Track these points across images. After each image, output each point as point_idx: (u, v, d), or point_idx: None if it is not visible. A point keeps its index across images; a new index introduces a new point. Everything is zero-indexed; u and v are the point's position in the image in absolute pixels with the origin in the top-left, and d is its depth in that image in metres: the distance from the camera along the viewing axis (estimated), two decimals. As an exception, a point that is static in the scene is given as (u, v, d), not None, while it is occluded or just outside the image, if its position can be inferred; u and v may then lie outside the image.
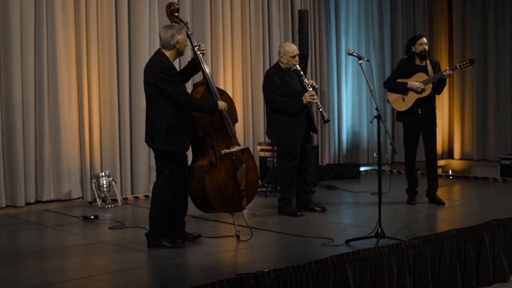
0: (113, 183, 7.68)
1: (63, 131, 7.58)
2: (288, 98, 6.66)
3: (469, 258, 5.63)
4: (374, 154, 11.14)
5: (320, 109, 6.71)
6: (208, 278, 4.27)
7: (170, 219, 5.38)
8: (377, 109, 5.47)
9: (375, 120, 5.50)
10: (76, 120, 7.71)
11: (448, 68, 7.01)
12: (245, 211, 5.96)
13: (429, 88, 7.03)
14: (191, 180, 5.48)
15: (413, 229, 5.91)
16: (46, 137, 7.49)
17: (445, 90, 7.45)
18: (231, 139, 5.66)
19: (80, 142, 7.73)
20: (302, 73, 6.82)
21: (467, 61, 6.98)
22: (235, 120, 5.79)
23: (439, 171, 9.42)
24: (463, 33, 12.34)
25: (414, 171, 7.36)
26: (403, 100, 7.13)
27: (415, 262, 5.21)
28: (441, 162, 12.03)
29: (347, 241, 5.31)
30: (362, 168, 10.72)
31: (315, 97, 6.69)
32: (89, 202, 7.72)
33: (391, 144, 5.64)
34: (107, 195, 7.60)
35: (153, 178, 6.94)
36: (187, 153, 5.43)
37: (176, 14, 5.64)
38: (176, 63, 5.48)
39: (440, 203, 7.21)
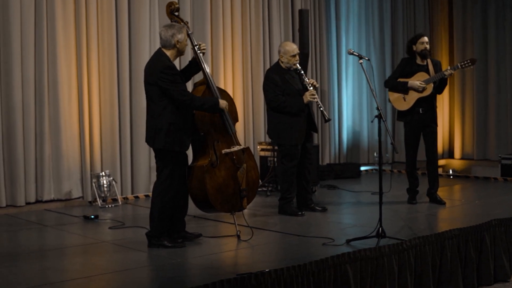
0: (114, 182, 7.67)
1: (63, 130, 7.57)
2: (288, 97, 6.65)
3: (470, 258, 5.63)
4: (375, 154, 11.14)
5: (321, 108, 6.70)
6: (208, 278, 4.27)
7: (171, 218, 5.37)
8: (378, 108, 5.46)
9: (376, 120, 5.48)
10: (76, 119, 7.71)
11: (449, 68, 7.00)
12: (245, 211, 5.95)
13: (430, 88, 7.02)
14: (192, 180, 5.47)
15: (414, 229, 5.90)
16: (46, 137, 7.48)
17: (446, 89, 7.42)
18: (231, 139, 5.65)
19: (80, 142, 7.72)
20: (302, 72, 6.81)
21: (469, 61, 6.97)
22: (235, 119, 5.78)
23: (440, 170, 9.42)
24: (463, 33, 12.33)
25: (415, 171, 7.36)
26: (404, 100, 7.12)
27: (416, 262, 5.20)
28: (441, 162, 12.02)
29: (348, 241, 5.30)
30: (362, 168, 10.71)
31: (316, 96, 6.68)
32: (90, 202, 7.71)
33: (392, 143, 5.63)
34: (108, 194, 7.59)
35: (154, 177, 6.93)
36: (187, 152, 5.42)
37: (177, 13, 5.63)
38: (176, 63, 5.47)
39: (441, 202, 7.20)
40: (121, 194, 7.94)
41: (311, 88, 6.70)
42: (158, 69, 5.15)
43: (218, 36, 9.00)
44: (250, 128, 9.39)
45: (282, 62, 6.77)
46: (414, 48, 7.16)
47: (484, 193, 8.39)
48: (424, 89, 7.01)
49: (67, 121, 7.61)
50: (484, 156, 12.00)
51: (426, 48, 7.10)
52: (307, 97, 6.65)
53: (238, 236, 5.58)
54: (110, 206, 7.53)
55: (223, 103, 5.47)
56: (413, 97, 7.07)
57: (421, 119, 7.12)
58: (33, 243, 5.83)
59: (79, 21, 7.66)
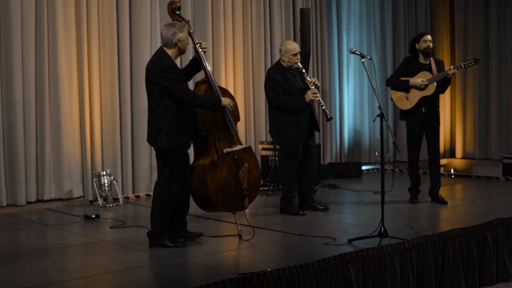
0: (115, 182, 7.66)
1: (64, 129, 7.56)
2: (290, 96, 6.63)
3: (472, 258, 5.61)
4: (376, 153, 11.13)
5: (323, 107, 6.69)
6: (210, 277, 4.26)
7: (172, 218, 5.35)
8: (379, 107, 5.44)
9: (378, 119, 5.46)
10: (77, 118, 7.70)
11: (452, 67, 6.98)
12: (247, 210, 5.93)
13: (433, 87, 7.00)
14: (193, 179, 5.46)
15: (415, 228, 5.89)
16: (47, 136, 7.47)
17: (447, 88, 7.40)
18: (233, 138, 5.64)
19: (81, 141, 7.71)
20: (304, 71, 6.80)
21: (472, 60, 6.95)
22: (237, 118, 5.77)
23: (441, 170, 9.41)
24: (465, 32, 12.30)
25: (417, 170, 7.34)
26: (407, 99, 7.10)
27: (418, 262, 5.19)
28: (443, 161, 11.99)
29: (350, 241, 5.29)
30: (364, 167, 10.70)
31: (318, 95, 6.66)
32: (90, 201, 7.70)
33: (394, 143, 5.61)
34: (109, 194, 7.58)
35: (155, 177, 6.91)
36: (188, 151, 5.41)
37: (178, 12, 5.62)
38: (177, 62, 5.46)
39: (443, 202, 7.18)
40: (122, 194, 7.92)
41: (313, 86, 6.69)
42: (160, 68, 5.14)
43: (219, 35, 8.99)
44: (251, 127, 9.37)
45: (283, 61, 6.76)
46: (417, 47, 7.14)
47: (486, 193, 8.38)
48: (425, 86, 7.00)
49: (68, 120, 7.60)
50: (485, 155, 11.98)
51: (429, 46, 7.08)
52: (309, 95, 6.63)
53: (240, 236, 5.57)
54: (111, 205, 7.52)
55: (225, 100, 5.46)
56: (416, 96, 7.05)
57: (423, 118, 7.11)
58: (33, 242, 5.82)
59: (80, 19, 7.65)
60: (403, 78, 7.15)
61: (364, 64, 5.70)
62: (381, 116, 5.43)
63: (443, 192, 7.39)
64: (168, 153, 5.23)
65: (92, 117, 7.77)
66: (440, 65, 7.18)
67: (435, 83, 7.00)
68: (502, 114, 11.73)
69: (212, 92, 5.52)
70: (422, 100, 7.04)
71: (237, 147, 5.61)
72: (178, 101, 5.16)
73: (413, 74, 7.12)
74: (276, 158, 8.32)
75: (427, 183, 7.39)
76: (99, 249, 5.40)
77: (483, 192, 8.41)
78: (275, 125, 6.80)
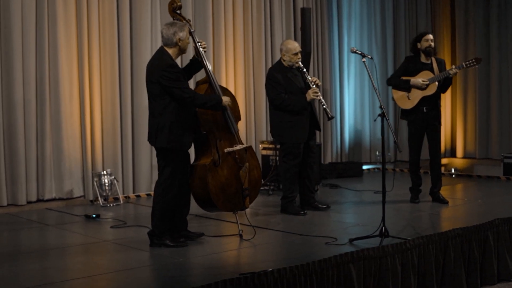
0: (115, 181, 7.65)
1: (64, 129, 7.55)
2: (291, 95, 6.62)
3: (474, 257, 5.60)
4: (377, 153, 11.13)
5: (324, 106, 6.68)
6: (210, 277, 4.25)
7: (173, 218, 5.34)
8: (381, 107, 5.43)
9: (378, 118, 5.45)
10: (77, 118, 7.69)
11: (454, 67, 6.96)
12: (247, 210, 5.92)
13: (434, 87, 6.99)
14: (194, 179, 5.45)
15: (416, 228, 5.88)
16: (48, 135, 7.46)
17: (448, 88, 7.39)
18: (234, 138, 5.63)
19: (81, 140, 7.71)
20: (305, 70, 6.79)
21: (473, 60, 6.94)
22: (238, 118, 5.76)
23: (442, 169, 9.41)
24: (465, 32, 12.29)
25: (418, 170, 7.33)
26: (408, 98, 7.09)
27: (420, 262, 5.18)
28: (443, 161, 11.98)
29: (351, 240, 5.28)
30: (364, 167, 10.70)
31: (319, 94, 6.66)
32: (91, 201, 7.69)
33: (395, 142, 5.61)
34: (109, 193, 7.57)
35: (155, 176, 6.91)
36: (189, 151, 5.40)
37: (178, 11, 5.62)
38: (178, 61, 5.45)
39: (444, 201, 7.18)
40: (123, 193, 7.92)
41: (314, 86, 6.68)
42: (160, 67, 5.13)
43: (220, 35, 8.98)
44: (252, 126, 9.37)
45: (284, 60, 6.75)
46: (419, 46, 7.13)
47: (487, 192, 8.37)
48: (426, 86, 6.99)
49: (68, 120, 7.60)
50: (486, 155, 11.96)
51: (430, 45, 7.07)
52: (310, 95, 6.62)
53: (240, 236, 5.56)
54: (111, 205, 7.51)
55: (226, 100, 5.45)
56: (417, 95, 7.04)
57: (425, 118, 7.10)
58: (34, 242, 5.81)
59: (80, 19, 7.64)
60: (404, 78, 7.14)
61: (365, 64, 5.69)
62: (382, 115, 5.42)
63: (444, 191, 7.38)
64: (169, 153, 5.22)
65: (92, 116, 7.77)
66: (441, 64, 7.17)
67: (437, 83, 6.99)
68: (503, 114, 11.72)
69: (213, 92, 5.51)
70: (424, 100, 7.03)
71: (238, 147, 5.60)
72: (179, 100, 5.15)
73: (414, 73, 7.11)
74: (277, 158, 8.31)
75: (428, 182, 7.38)
76: (99, 249, 5.39)
77: (484, 192, 8.40)
78: (276, 125, 6.79)
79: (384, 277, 4.91)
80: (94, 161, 7.77)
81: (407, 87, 7.09)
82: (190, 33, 5.44)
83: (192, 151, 5.47)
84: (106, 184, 7.52)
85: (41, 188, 7.46)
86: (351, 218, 6.76)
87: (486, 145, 11.96)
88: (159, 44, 7.03)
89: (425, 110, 7.07)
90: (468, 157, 12.26)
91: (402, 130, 10.83)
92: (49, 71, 7.46)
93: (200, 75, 5.96)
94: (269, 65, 9.09)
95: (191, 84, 6.56)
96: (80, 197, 7.72)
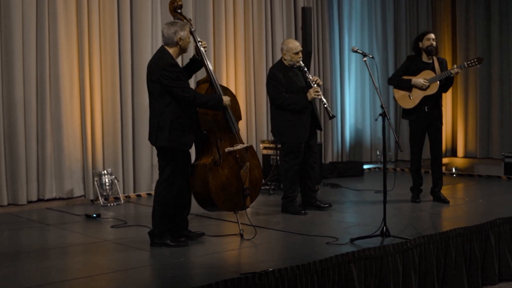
0: (116, 181, 7.64)
1: (65, 128, 7.55)
2: (292, 95, 6.61)
3: (475, 257, 5.59)
4: (378, 152, 11.12)
5: (325, 105, 6.67)
6: (211, 277, 4.24)
7: (173, 217, 5.34)
8: (382, 106, 5.42)
9: (380, 118, 5.44)
10: (78, 117, 7.68)
11: (455, 66, 6.94)
12: (248, 210, 5.92)
13: (436, 86, 6.98)
14: (194, 178, 5.44)
15: (418, 228, 5.87)
16: (48, 135, 7.45)
17: (450, 88, 7.38)
18: (234, 137, 5.62)
19: (82, 140, 7.70)
20: (306, 69, 6.78)
21: (475, 60, 6.93)
22: (238, 118, 5.75)
23: (443, 169, 9.41)
24: (466, 31, 12.28)
25: (420, 169, 7.32)
26: (410, 98, 7.08)
27: (420, 261, 5.17)
28: (444, 160, 11.91)
29: (352, 240, 5.27)
30: (365, 166, 10.68)
31: (320, 93, 6.65)
32: (91, 200, 7.68)
33: (396, 142, 5.59)
34: (110, 193, 7.57)
35: (156, 176, 6.91)
36: (190, 151, 5.39)
37: (179, 10, 5.61)
38: (178, 60, 5.44)
39: (445, 201, 7.17)
40: (123, 193, 7.91)
41: (315, 85, 6.67)
42: (161, 67, 5.12)
43: (221, 34, 8.97)
44: (252, 126, 9.36)
45: (285, 59, 6.74)
46: (421, 45, 7.12)
47: (488, 192, 8.36)
48: (427, 87, 6.98)
49: (69, 119, 7.59)
50: (487, 154, 11.96)
51: (432, 44, 7.06)
52: (311, 94, 6.61)
53: (241, 235, 5.55)
54: (112, 204, 7.50)
55: (226, 99, 5.44)
56: (418, 95, 7.03)
57: (426, 117, 7.08)
58: (34, 242, 5.80)
59: (81, 18, 7.63)
60: (405, 77, 7.13)
61: (366, 63, 5.68)
62: (383, 115, 5.40)
63: (444, 191, 7.37)
64: (170, 152, 5.21)
65: (93, 116, 7.76)
66: (443, 64, 7.16)
67: (438, 82, 6.98)
68: (504, 113, 11.72)
69: (213, 91, 5.50)
70: (425, 99, 7.02)
71: (239, 146, 5.59)
72: (179, 100, 5.14)
73: (416, 72, 7.10)
74: (278, 157, 8.31)
75: (429, 182, 7.37)
76: (100, 249, 5.38)
77: (485, 191, 8.39)
78: (277, 124, 6.78)
79: (385, 277, 4.90)
80: (95, 161, 7.76)
81: (408, 87, 7.08)
82: (191, 33, 5.43)
83: (192, 150, 5.46)
84: (107, 184, 7.52)
85: (42, 187, 7.45)
86: (352, 218, 6.75)
87: (487, 145, 11.95)
88: (159, 43, 7.02)
89: (426, 110, 7.06)
90: (469, 156, 12.26)
91: (403, 129, 10.82)
92: (49, 70, 7.46)
93: (201, 74, 5.95)
94: (270, 65, 9.08)
95: (192, 83, 6.55)
96: (81, 196, 7.72)
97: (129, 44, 8.06)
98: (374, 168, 10.92)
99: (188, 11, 8.45)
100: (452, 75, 6.95)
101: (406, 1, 11.84)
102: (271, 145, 8.68)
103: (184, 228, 5.49)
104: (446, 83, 7.09)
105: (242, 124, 8.82)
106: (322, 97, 6.66)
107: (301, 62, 6.73)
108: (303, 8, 9.13)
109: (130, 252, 5.16)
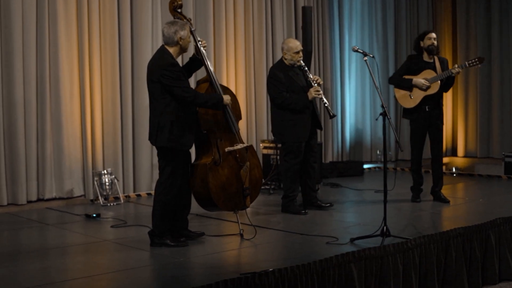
0: (116, 181, 7.63)
1: (65, 128, 7.54)
2: (293, 94, 6.61)
3: (475, 257, 5.58)
4: (378, 152, 11.11)
5: (326, 105, 6.66)
6: (211, 277, 4.23)
7: (173, 217, 5.33)
8: (382, 106, 5.41)
9: (380, 117, 5.43)
10: (78, 117, 7.68)
11: (457, 66, 6.94)
12: (248, 209, 5.91)
13: (437, 86, 6.98)
14: (194, 178, 5.43)
15: (418, 228, 5.86)
16: (48, 135, 7.45)
17: (450, 88, 7.37)
18: (234, 137, 5.61)
19: (82, 140, 7.69)
20: (306, 69, 6.78)
21: (476, 60, 6.92)
22: (238, 117, 5.75)
23: (443, 168, 9.40)
24: (467, 31, 12.27)
25: (420, 169, 7.32)
26: (411, 97, 7.08)
27: (421, 261, 5.16)
28: (444, 160, 11.85)
29: (352, 240, 5.26)
30: (365, 166, 10.68)
31: (321, 92, 6.64)
32: (91, 200, 7.67)
33: (397, 141, 5.59)
34: (109, 193, 7.56)
35: (156, 175, 6.90)
36: (190, 150, 5.38)
37: (179, 10, 5.60)
38: (179, 60, 5.43)
39: (445, 201, 7.16)
40: (123, 193, 7.90)
41: (316, 84, 6.66)
42: (161, 67, 5.11)
43: (221, 34, 8.96)
44: (252, 126, 9.36)
45: (285, 59, 6.73)
46: (422, 44, 7.12)
47: (488, 191, 8.36)
48: (428, 87, 6.97)
49: (69, 119, 7.58)
50: (487, 154, 11.95)
51: (433, 43, 7.06)
52: (311, 93, 6.61)
53: (241, 235, 5.54)
54: (112, 204, 7.50)
55: (227, 99, 5.43)
56: (419, 94, 7.02)
57: (427, 117, 7.08)
58: (34, 241, 5.80)
59: (81, 18, 7.63)
60: (406, 77, 7.12)
61: (366, 62, 5.67)
62: (384, 114, 5.40)
63: (444, 190, 7.36)
64: (170, 152, 5.20)
65: (93, 115, 7.75)
66: (444, 63, 7.15)
67: (439, 82, 6.97)
68: (504, 113, 11.71)
69: (213, 91, 5.49)
70: (426, 99, 7.01)
71: (239, 146, 5.58)
72: (180, 99, 5.13)
73: (417, 72, 7.09)
74: (278, 157, 8.30)
75: (429, 181, 7.37)
76: (100, 249, 5.37)
77: (485, 191, 8.39)
78: (277, 124, 6.77)
79: (385, 277, 4.89)
80: (95, 160, 7.76)
81: (409, 86, 7.07)
82: (191, 32, 5.42)
83: (192, 150, 5.46)
84: (107, 184, 7.51)
85: (42, 187, 7.44)
86: (352, 218, 6.74)
87: (487, 144, 11.95)
88: (159, 43, 7.02)
89: (427, 109, 7.06)
90: (469, 156, 12.25)
91: (403, 129, 10.81)
92: (49, 70, 7.45)
93: (201, 73, 5.94)
94: (270, 64, 9.07)
95: (192, 83, 6.54)
96: (81, 196, 7.71)
97: (129, 44, 8.05)
98: (374, 167, 10.92)
99: (188, 10, 8.44)
100: (453, 75, 6.94)
101: (406, 1, 11.84)
102: (271, 145, 8.67)
103: (184, 228, 5.48)
104: (447, 83, 7.08)
105: (242, 124, 8.81)
106: (323, 97, 6.66)
107: (301, 62, 6.73)
108: (304, 8, 9.12)
109: (130, 252, 5.15)
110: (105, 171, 7.57)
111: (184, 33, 5.21)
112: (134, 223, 6.31)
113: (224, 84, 8.51)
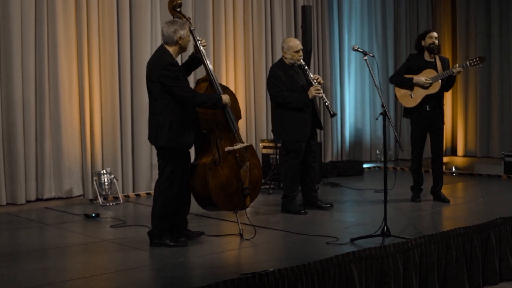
0: (115, 180, 7.62)
1: (64, 128, 7.53)
2: (293, 93, 6.59)
3: (476, 257, 5.57)
4: (377, 151, 11.10)
5: (326, 103, 6.65)
6: (211, 277, 4.22)
7: (173, 217, 5.31)
8: (382, 105, 5.39)
9: (380, 117, 5.42)
10: (77, 117, 7.66)
11: (457, 65, 6.92)
12: (248, 209, 5.90)
13: (438, 85, 6.97)
14: (194, 178, 5.42)
15: (418, 227, 5.84)
16: (47, 134, 7.43)
17: (451, 87, 7.36)
18: (234, 137, 5.60)
19: (81, 139, 7.68)
20: (306, 67, 6.77)
21: (477, 59, 6.91)
22: (238, 117, 5.73)
23: (443, 168, 9.39)
24: (466, 30, 12.26)
25: (420, 168, 7.31)
26: (411, 97, 7.06)
27: (421, 261, 5.15)
28: (444, 159, 11.86)
29: (352, 240, 5.25)
30: (365, 165, 10.67)
31: (321, 91, 6.63)
32: (90, 200, 7.66)
33: (397, 141, 5.58)
34: (109, 192, 7.54)
35: (155, 175, 6.88)
36: (190, 150, 5.37)
37: (179, 9, 5.58)
38: (178, 59, 5.42)
39: (445, 200, 7.16)
40: (122, 192, 7.89)
41: (316, 83, 6.65)
42: (160, 66, 5.09)
43: (220, 33, 8.95)
44: (252, 125, 9.35)
45: (285, 58, 6.72)
46: (423, 43, 7.11)
47: (488, 191, 8.36)
48: (429, 85, 6.96)
49: (67, 119, 7.57)
50: (487, 153, 11.95)
51: (434, 42, 7.05)
52: (312, 92, 6.59)
53: (241, 235, 5.53)
54: (111, 204, 7.48)
55: (226, 98, 5.42)
56: (420, 94, 7.01)
57: (428, 117, 7.07)
58: (33, 241, 5.78)
59: (80, 17, 7.61)
60: (407, 76, 7.11)
61: (366, 62, 5.66)
62: (384, 114, 5.38)
63: (444, 190, 7.35)
64: (169, 152, 5.18)
65: (92, 115, 7.74)
66: (445, 63, 7.14)
67: (440, 81, 6.96)
68: (504, 112, 11.70)
69: (213, 90, 5.48)
70: (427, 98, 7.00)
71: (239, 146, 5.57)
72: (179, 99, 5.12)
73: (417, 71, 7.08)
74: (277, 157, 8.29)
75: (429, 181, 7.36)
76: (99, 249, 5.36)
77: (485, 191, 8.38)
78: (277, 123, 6.76)
79: (385, 277, 4.88)
80: (94, 160, 7.74)
81: (410, 86, 7.06)
82: (190, 31, 5.40)
83: (192, 150, 5.44)
84: (106, 183, 7.50)
85: (41, 187, 7.43)
86: (352, 217, 6.73)
87: (487, 144, 11.94)
88: (159, 42, 7.01)
89: (428, 109, 7.04)
90: (469, 155, 12.24)
91: (404, 128, 10.79)
92: (48, 70, 7.43)
93: (200, 72, 5.93)
94: (270, 64, 9.06)
95: (191, 82, 6.52)
96: (80, 196, 7.69)
97: (129, 43, 8.03)
98: (374, 167, 10.91)
99: (188, 9, 8.43)
100: (454, 74, 6.92)
101: (406, 0, 11.82)
102: (271, 144, 8.66)
103: (184, 228, 5.47)
104: (448, 82, 7.07)
105: (241, 124, 8.80)
106: (323, 95, 6.64)
107: (301, 61, 6.72)
108: (303, 7, 9.10)
109: (129, 252, 5.14)
110: (104, 170, 7.56)
111: (183, 32, 5.20)
112: (134, 223, 6.30)
113: (224, 83, 8.49)
